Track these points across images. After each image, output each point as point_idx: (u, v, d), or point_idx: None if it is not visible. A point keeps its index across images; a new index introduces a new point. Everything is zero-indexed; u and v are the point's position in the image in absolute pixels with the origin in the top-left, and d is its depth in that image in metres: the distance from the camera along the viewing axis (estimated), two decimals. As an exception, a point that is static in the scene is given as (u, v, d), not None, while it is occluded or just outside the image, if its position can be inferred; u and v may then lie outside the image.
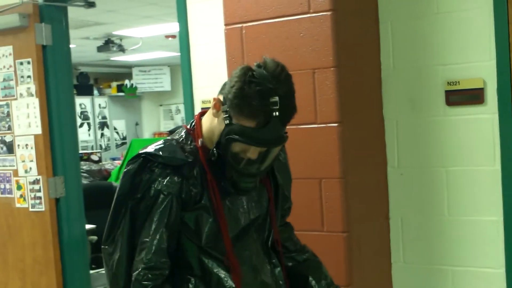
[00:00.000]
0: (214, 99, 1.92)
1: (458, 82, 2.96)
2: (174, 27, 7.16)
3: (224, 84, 1.93)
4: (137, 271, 1.91)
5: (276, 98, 1.81)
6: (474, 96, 2.92)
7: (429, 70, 3.04)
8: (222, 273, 1.96)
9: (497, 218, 2.94)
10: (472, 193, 2.99)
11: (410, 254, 3.15)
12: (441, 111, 3.02)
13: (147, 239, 1.92)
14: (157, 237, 1.91)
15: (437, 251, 3.09)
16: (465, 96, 2.95)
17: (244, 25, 2.92)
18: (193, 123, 2.04)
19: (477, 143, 2.95)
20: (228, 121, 1.85)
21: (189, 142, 1.99)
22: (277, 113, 1.81)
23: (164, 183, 1.91)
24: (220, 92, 1.93)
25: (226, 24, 2.97)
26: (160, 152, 1.93)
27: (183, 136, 2.01)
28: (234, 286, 1.96)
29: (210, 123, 1.97)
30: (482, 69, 2.91)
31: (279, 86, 1.83)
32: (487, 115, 2.92)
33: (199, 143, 1.97)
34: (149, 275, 1.90)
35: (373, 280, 3.04)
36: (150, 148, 1.95)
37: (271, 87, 1.81)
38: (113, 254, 1.97)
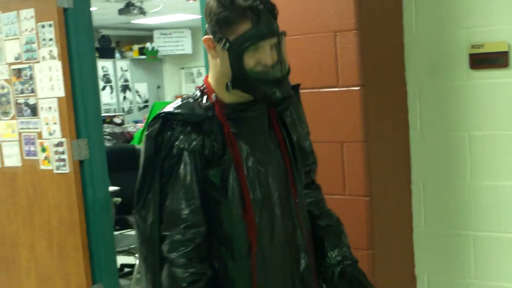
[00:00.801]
0: (204, 40, 1.95)
1: (483, 45, 2.92)
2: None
3: (205, 28, 1.96)
4: (171, 231, 1.90)
5: None
6: (499, 60, 2.88)
7: (452, 33, 2.99)
8: (243, 231, 1.95)
9: (520, 183, 2.92)
10: (495, 158, 2.97)
11: (432, 219, 3.15)
12: (465, 74, 2.98)
13: (173, 199, 1.91)
14: (184, 196, 1.91)
15: (459, 216, 3.09)
16: (489, 60, 2.90)
17: (266, -13, 2.89)
18: (203, 84, 2.05)
19: (501, 107, 2.92)
20: (227, 44, 1.87)
21: (204, 99, 1.99)
22: (262, 6, 1.86)
23: (186, 140, 1.92)
24: (205, 34, 1.96)
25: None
26: (179, 110, 1.95)
27: (198, 94, 2.03)
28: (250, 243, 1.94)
29: (215, 70, 1.98)
30: (507, 32, 2.87)
31: None
32: (511, 79, 2.88)
33: (213, 98, 1.98)
34: (188, 235, 1.90)
35: (394, 244, 3.05)
36: (169, 108, 1.97)
37: None
38: (147, 218, 1.96)
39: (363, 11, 2.72)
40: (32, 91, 3.72)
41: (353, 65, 2.72)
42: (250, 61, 1.88)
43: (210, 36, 1.93)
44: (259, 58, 1.89)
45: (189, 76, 13.55)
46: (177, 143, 1.92)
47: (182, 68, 13.57)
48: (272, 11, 1.92)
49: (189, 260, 1.89)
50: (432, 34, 3.04)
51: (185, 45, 12.56)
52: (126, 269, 5.72)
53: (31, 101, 3.74)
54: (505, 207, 2.97)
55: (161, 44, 12.49)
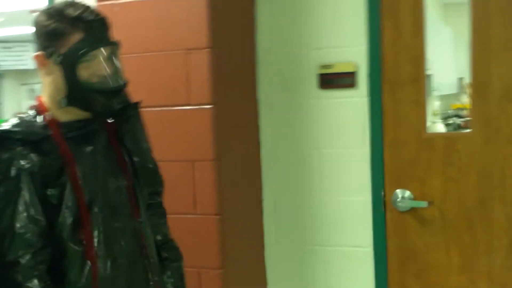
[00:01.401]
0: (35, 57, 1.89)
1: (332, 65, 3.00)
2: (39, 1, 6.82)
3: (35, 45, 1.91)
4: (22, 257, 1.78)
5: (79, 6, 1.85)
6: (346, 80, 2.99)
7: (303, 53, 3.07)
8: (80, 252, 1.86)
9: (365, 198, 3.03)
10: (343, 175, 3.06)
11: (283, 235, 3.20)
12: (315, 93, 3.06)
13: (18, 223, 1.79)
14: (30, 219, 1.80)
15: (309, 231, 3.15)
16: (337, 80, 3.00)
17: (117, 1, 2.80)
18: (37, 104, 1.97)
19: (348, 126, 3.02)
20: (59, 57, 1.83)
21: (38, 119, 1.91)
22: (92, 16, 1.85)
23: (25, 160, 1.81)
24: (36, 51, 1.90)
25: (98, 0, 2.85)
26: (17, 128, 1.85)
27: (31, 114, 1.93)
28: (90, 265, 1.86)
29: (49, 88, 1.91)
30: (354, 54, 2.98)
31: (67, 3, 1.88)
32: (358, 98, 2.99)
33: (47, 117, 1.90)
34: (39, 257, 1.80)
35: (246, 261, 3.06)
36: (6, 126, 1.86)
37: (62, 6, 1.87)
38: None
39: (215, 29, 2.70)
40: None
41: (205, 83, 2.70)
42: (84, 72, 1.83)
43: (42, 52, 1.87)
44: (93, 69, 1.85)
45: (31, 93, 12.98)
46: (15, 163, 1.81)
47: (24, 84, 12.98)
48: (102, 21, 1.89)
49: (46, 285, 1.80)
50: (284, 53, 3.10)
51: (27, 60, 12.04)
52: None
53: None
54: (351, 222, 3.07)
55: (1, 58, 11.90)
